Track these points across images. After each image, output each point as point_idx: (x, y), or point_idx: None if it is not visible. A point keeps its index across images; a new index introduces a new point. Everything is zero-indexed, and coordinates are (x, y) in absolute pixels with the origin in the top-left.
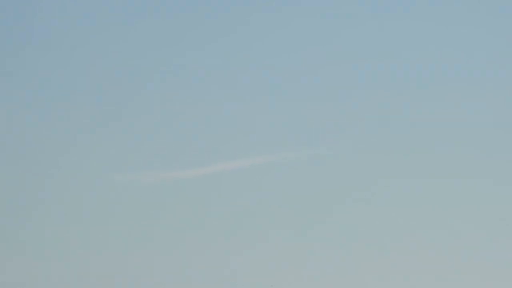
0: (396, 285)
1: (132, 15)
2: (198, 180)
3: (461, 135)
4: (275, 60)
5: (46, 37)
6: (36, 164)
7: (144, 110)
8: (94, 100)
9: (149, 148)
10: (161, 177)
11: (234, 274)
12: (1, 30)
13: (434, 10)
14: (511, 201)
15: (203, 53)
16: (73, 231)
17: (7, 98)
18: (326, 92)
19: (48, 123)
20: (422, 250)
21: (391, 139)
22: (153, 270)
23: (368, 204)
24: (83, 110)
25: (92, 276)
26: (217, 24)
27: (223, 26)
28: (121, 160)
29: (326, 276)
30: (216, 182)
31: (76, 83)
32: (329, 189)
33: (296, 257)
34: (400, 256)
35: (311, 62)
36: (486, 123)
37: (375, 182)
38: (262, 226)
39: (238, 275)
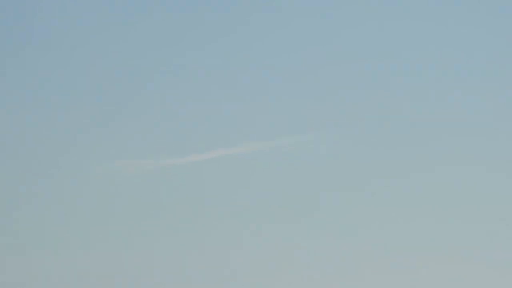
0: (395, 283)
1: (132, 15)
2: (195, 166)
3: (461, 135)
4: (275, 60)
5: (46, 37)
6: (36, 162)
7: (144, 110)
8: (94, 100)
9: (149, 141)
10: (160, 163)
11: (230, 254)
12: (1, 30)
13: (434, 10)
14: (511, 201)
15: (203, 53)
16: (75, 219)
17: (7, 98)
18: (326, 92)
19: (48, 123)
20: (422, 249)
21: (391, 138)
22: (153, 250)
23: (367, 202)
24: (83, 110)
25: (93, 258)
26: (217, 24)
27: (223, 26)
28: (123, 152)
29: (325, 273)
30: (213, 167)
31: (76, 83)
32: (329, 187)
33: (291, 249)
34: (400, 255)
35: (311, 62)
36: (486, 122)
37: (374, 181)
38: (256, 210)
39: (233, 256)
